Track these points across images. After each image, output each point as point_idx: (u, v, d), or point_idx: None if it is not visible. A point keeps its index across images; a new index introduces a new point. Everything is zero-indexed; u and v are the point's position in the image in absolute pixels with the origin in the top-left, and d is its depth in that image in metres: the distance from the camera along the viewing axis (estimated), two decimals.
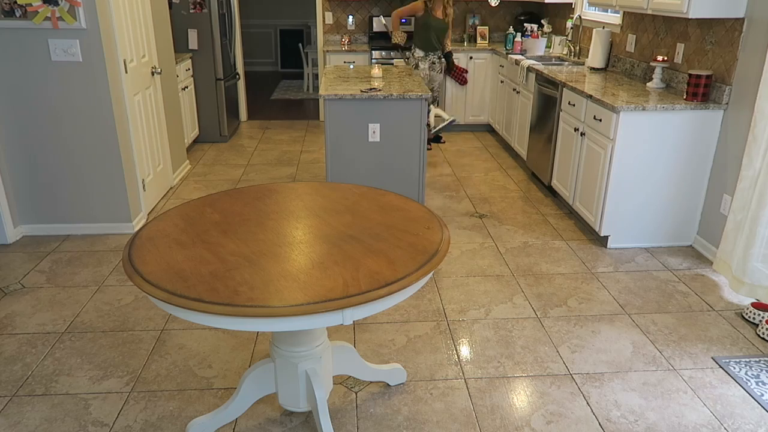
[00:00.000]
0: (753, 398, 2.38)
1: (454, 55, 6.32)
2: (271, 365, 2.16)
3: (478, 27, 6.75)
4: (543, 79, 4.69)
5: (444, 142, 6.15)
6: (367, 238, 1.93)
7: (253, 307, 1.55)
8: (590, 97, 3.76)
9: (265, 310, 1.55)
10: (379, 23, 6.73)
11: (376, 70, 4.45)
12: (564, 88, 4.24)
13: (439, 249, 1.86)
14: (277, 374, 2.12)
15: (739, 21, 3.28)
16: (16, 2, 3.31)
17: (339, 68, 4.83)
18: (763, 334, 2.78)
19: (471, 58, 6.35)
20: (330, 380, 2.21)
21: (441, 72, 5.84)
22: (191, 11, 5.70)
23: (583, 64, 5.13)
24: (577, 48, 5.53)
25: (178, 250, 1.84)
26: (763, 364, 2.59)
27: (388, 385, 2.46)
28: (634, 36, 4.48)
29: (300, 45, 9.51)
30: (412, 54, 5.67)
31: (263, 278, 1.67)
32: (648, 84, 4.02)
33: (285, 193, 2.33)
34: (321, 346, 2.09)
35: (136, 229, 3.92)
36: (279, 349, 2.06)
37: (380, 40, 6.65)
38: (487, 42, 6.75)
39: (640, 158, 3.51)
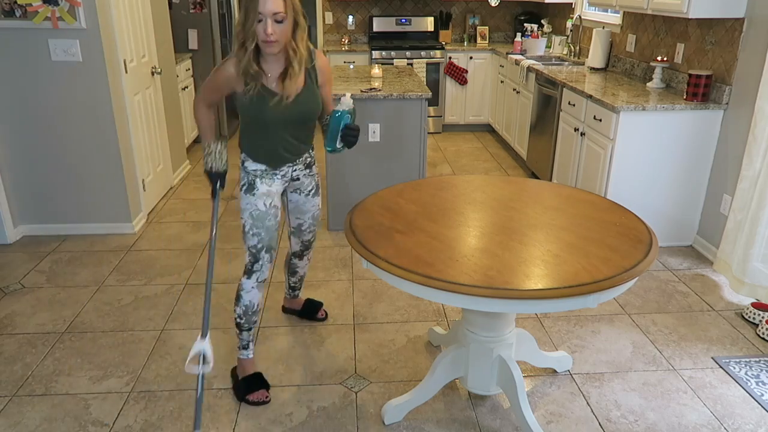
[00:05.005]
0: (753, 398, 2.38)
1: (454, 56, 6.32)
2: (463, 350, 2.22)
3: (478, 27, 6.76)
4: (543, 79, 4.69)
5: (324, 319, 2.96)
6: (574, 227, 2.04)
7: (508, 290, 1.67)
8: (590, 97, 3.76)
9: (518, 292, 1.66)
10: (379, 23, 6.72)
11: (376, 70, 4.45)
12: (564, 88, 4.24)
13: (652, 239, 1.96)
14: (470, 358, 2.20)
15: (739, 21, 3.28)
16: (16, 2, 3.31)
17: (339, 68, 4.83)
18: (763, 334, 2.78)
19: (471, 58, 6.36)
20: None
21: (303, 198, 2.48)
22: (191, 11, 5.70)
23: (583, 64, 5.13)
24: (577, 48, 5.53)
25: (401, 237, 1.95)
26: (763, 364, 2.59)
27: (391, 384, 2.46)
28: (634, 36, 4.48)
29: None
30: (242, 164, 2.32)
31: (505, 264, 1.80)
32: (648, 84, 4.02)
33: (462, 186, 2.44)
34: (512, 332, 2.18)
35: (136, 229, 3.93)
36: (474, 334, 2.15)
37: (380, 40, 6.64)
38: (487, 42, 6.75)
39: (640, 158, 3.51)
